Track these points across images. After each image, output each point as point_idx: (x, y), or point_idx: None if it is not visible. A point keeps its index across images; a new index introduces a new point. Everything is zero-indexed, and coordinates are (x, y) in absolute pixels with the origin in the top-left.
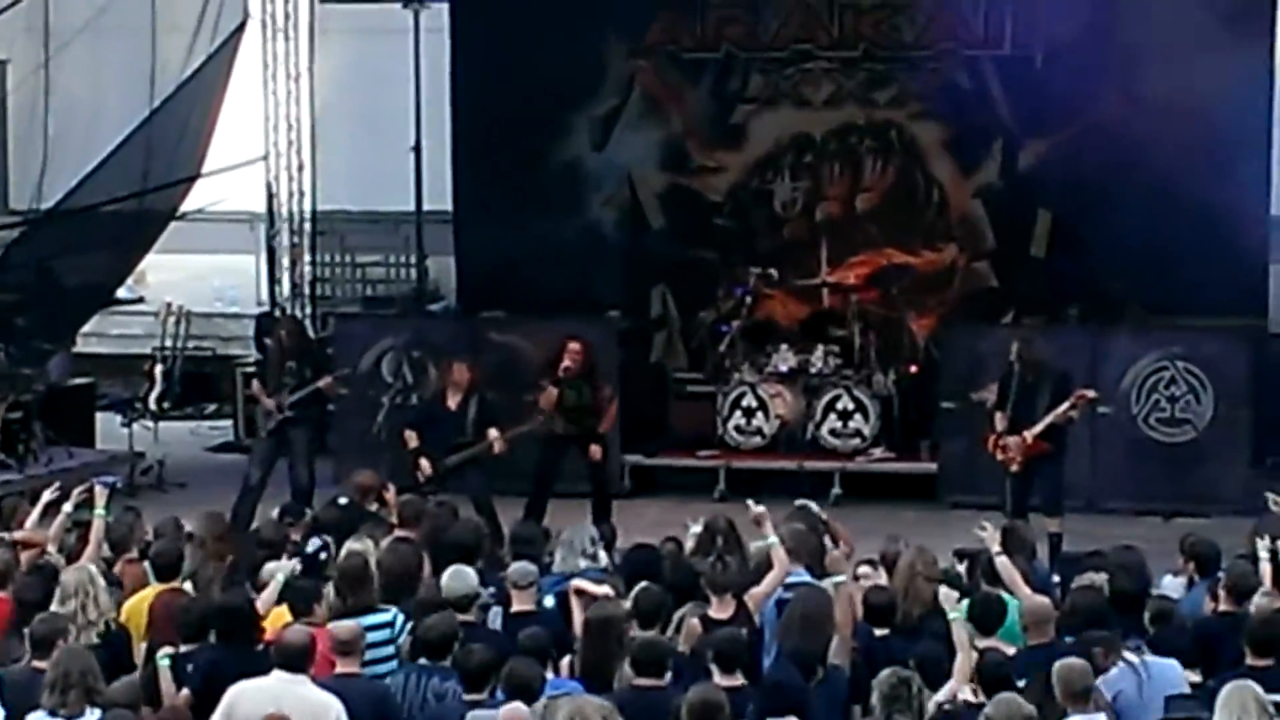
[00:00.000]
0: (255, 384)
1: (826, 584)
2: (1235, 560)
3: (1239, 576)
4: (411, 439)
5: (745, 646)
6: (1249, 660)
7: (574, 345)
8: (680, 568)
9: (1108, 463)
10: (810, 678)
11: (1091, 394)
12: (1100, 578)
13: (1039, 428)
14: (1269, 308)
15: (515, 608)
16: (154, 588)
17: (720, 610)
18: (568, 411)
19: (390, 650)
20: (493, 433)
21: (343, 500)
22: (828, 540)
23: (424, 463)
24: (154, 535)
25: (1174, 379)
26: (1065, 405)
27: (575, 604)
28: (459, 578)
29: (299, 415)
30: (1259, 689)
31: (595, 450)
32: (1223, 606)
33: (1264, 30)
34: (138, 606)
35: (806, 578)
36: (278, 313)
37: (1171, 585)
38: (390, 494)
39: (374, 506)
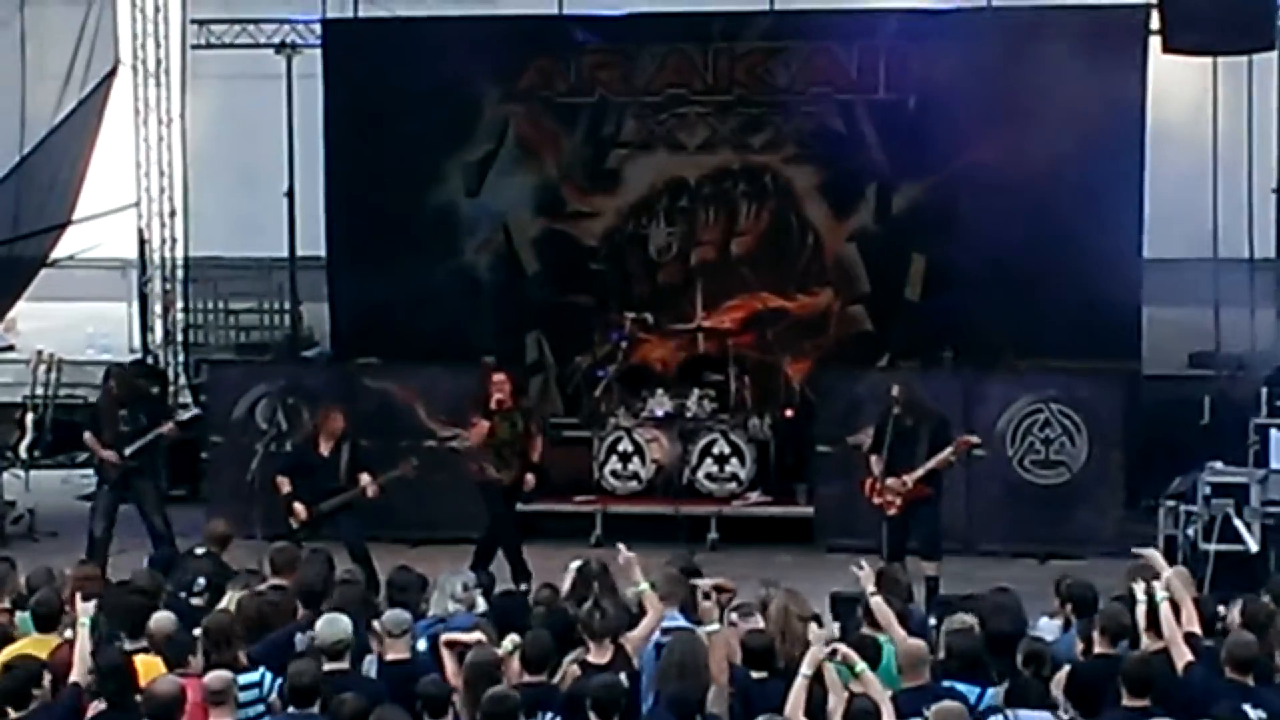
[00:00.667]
0: (88, 435)
1: (700, 633)
2: (1110, 602)
3: (1113, 618)
4: (284, 485)
5: (623, 693)
6: (1125, 701)
7: (498, 376)
8: (555, 614)
9: (983, 505)
10: None
11: (974, 439)
12: (971, 619)
13: (920, 472)
14: (1142, 350)
15: (391, 656)
16: (33, 639)
17: (599, 655)
18: (501, 446)
19: (261, 709)
20: (365, 478)
21: (199, 551)
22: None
23: (298, 508)
24: (27, 586)
25: (1049, 421)
26: (949, 450)
27: (445, 654)
28: (333, 625)
29: (141, 464)
30: None
31: (529, 479)
32: (1098, 649)
33: (1136, 75)
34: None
35: (682, 622)
36: (151, 361)
37: (1048, 627)
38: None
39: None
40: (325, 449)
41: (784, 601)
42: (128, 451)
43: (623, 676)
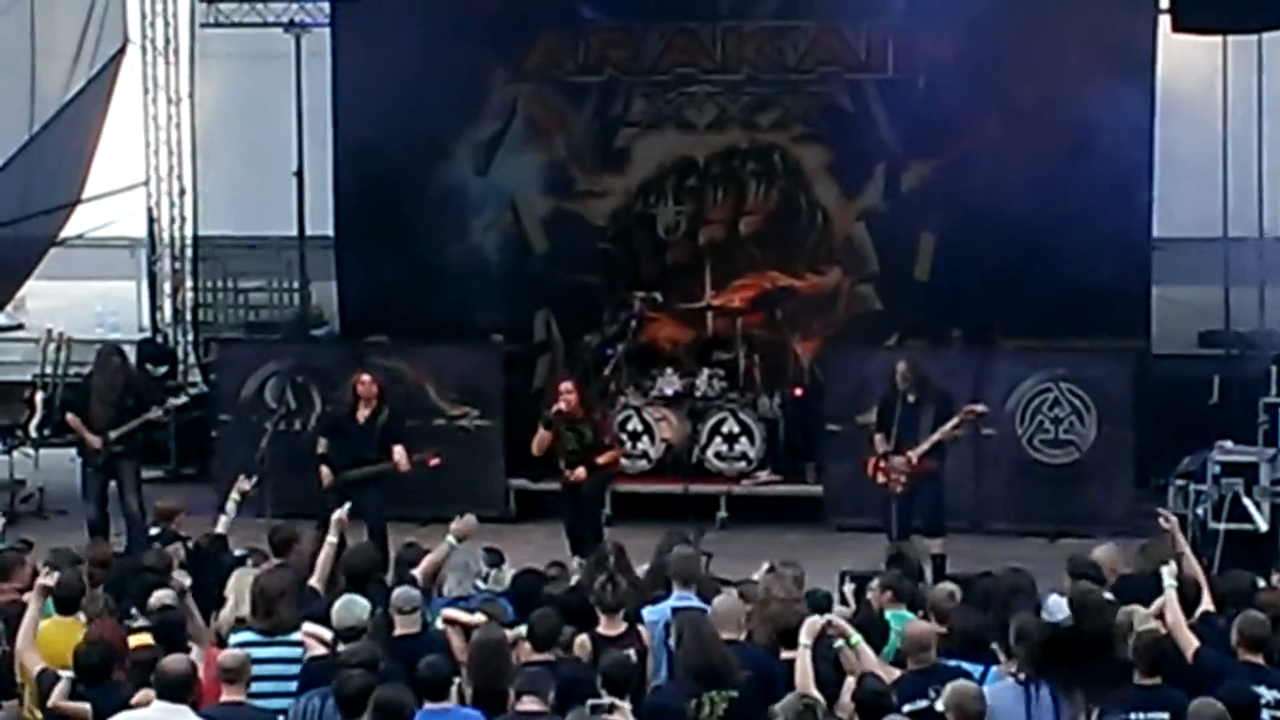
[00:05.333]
0: (71, 417)
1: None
2: (1078, 582)
3: (1086, 594)
4: (320, 444)
5: (633, 669)
6: (1137, 680)
7: (565, 385)
8: (576, 592)
9: (992, 484)
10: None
11: (981, 408)
12: (954, 587)
13: (924, 446)
14: (1151, 329)
15: (399, 631)
16: (53, 621)
17: (610, 628)
18: (569, 455)
19: (295, 670)
20: (398, 451)
21: (154, 530)
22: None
23: (324, 471)
24: (45, 566)
25: (1058, 400)
26: (953, 422)
27: (451, 633)
28: (349, 608)
29: (126, 447)
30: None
31: (578, 472)
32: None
33: (1146, 51)
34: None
35: (695, 602)
36: (161, 340)
37: (1057, 605)
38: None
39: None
40: (362, 416)
41: (765, 584)
42: (114, 435)
43: (631, 652)
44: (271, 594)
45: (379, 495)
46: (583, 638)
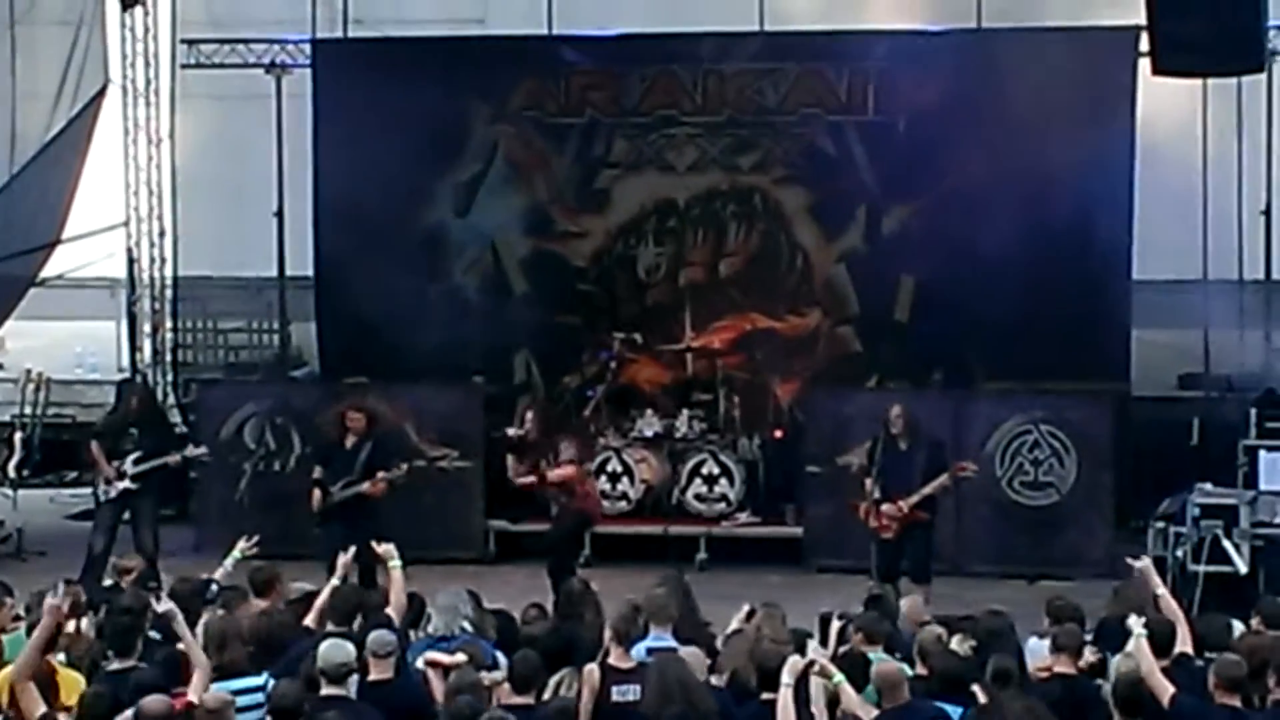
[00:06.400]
0: (95, 446)
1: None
2: (1064, 625)
3: (1071, 636)
4: (316, 471)
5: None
6: None
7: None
8: (555, 633)
9: (972, 526)
10: None
11: (972, 467)
12: (940, 630)
13: (916, 498)
14: (1131, 371)
15: (373, 676)
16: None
17: (621, 660)
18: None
19: (259, 714)
20: (379, 475)
21: (107, 583)
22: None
23: (315, 493)
24: (25, 609)
25: (1037, 443)
26: (944, 478)
27: (431, 675)
28: (337, 649)
29: (144, 485)
30: None
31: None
32: (1058, 669)
33: (1125, 97)
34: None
35: (670, 642)
36: (138, 378)
37: (1037, 647)
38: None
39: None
40: (349, 443)
41: (758, 623)
42: (132, 472)
43: (638, 688)
44: (229, 634)
45: (370, 535)
46: (590, 667)
